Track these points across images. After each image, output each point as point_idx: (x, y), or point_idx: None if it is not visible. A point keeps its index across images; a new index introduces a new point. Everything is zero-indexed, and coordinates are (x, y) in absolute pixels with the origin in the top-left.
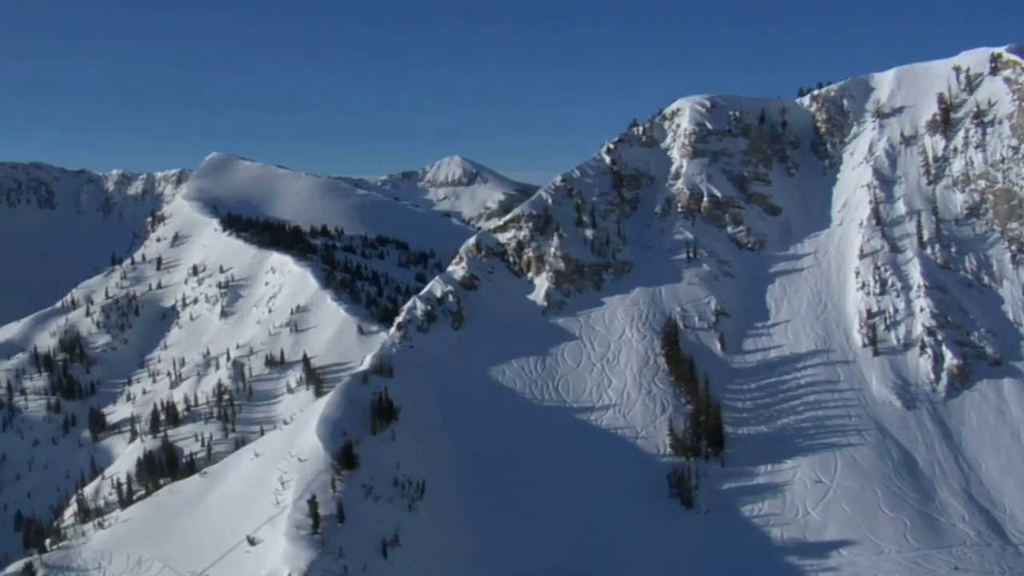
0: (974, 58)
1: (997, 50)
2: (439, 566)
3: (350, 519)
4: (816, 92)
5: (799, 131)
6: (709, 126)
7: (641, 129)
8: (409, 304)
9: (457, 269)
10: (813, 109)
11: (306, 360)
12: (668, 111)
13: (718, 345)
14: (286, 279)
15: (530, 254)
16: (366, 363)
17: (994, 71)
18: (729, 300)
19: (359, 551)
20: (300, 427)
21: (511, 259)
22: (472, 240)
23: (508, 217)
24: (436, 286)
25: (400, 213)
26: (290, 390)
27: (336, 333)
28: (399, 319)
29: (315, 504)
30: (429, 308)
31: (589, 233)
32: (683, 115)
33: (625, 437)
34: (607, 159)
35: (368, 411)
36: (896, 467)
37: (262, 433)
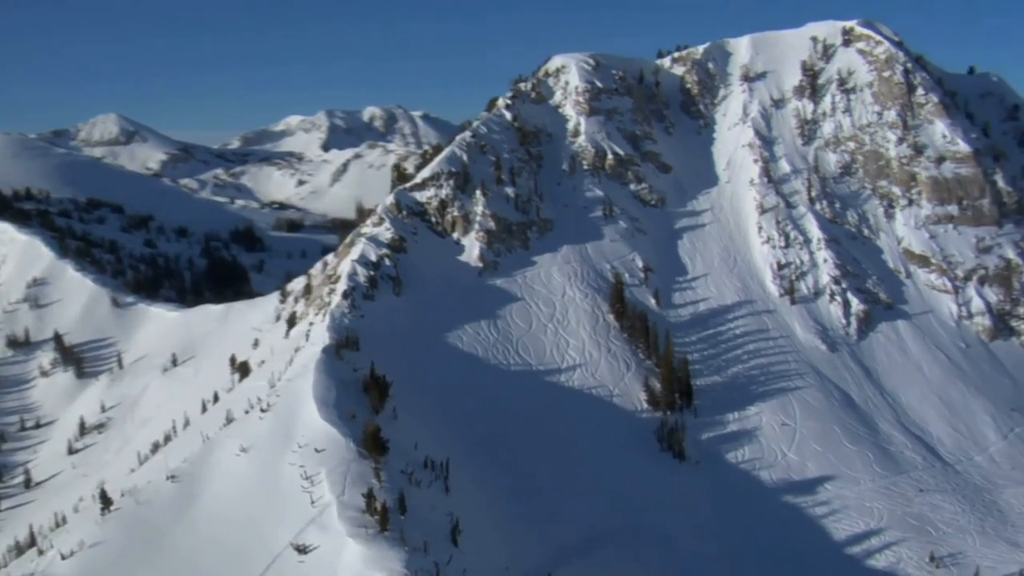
0: (825, 30)
1: (848, 24)
2: (500, 548)
3: (410, 510)
4: (677, 55)
5: (669, 92)
6: (599, 84)
7: (530, 85)
8: (349, 270)
9: (381, 231)
10: (681, 71)
11: (58, 338)
12: (551, 68)
13: (653, 300)
14: (9, 249)
15: (455, 213)
16: (324, 338)
17: (847, 43)
18: (648, 256)
19: (434, 543)
20: (288, 414)
21: (433, 219)
22: (391, 199)
23: (427, 175)
24: (369, 249)
25: (106, 174)
26: (44, 373)
27: (86, 307)
28: (343, 287)
29: (373, 498)
30: (372, 274)
31: (510, 191)
32: (570, 72)
33: (601, 396)
34: (508, 115)
35: (359, 389)
36: (841, 405)
37: (23, 425)
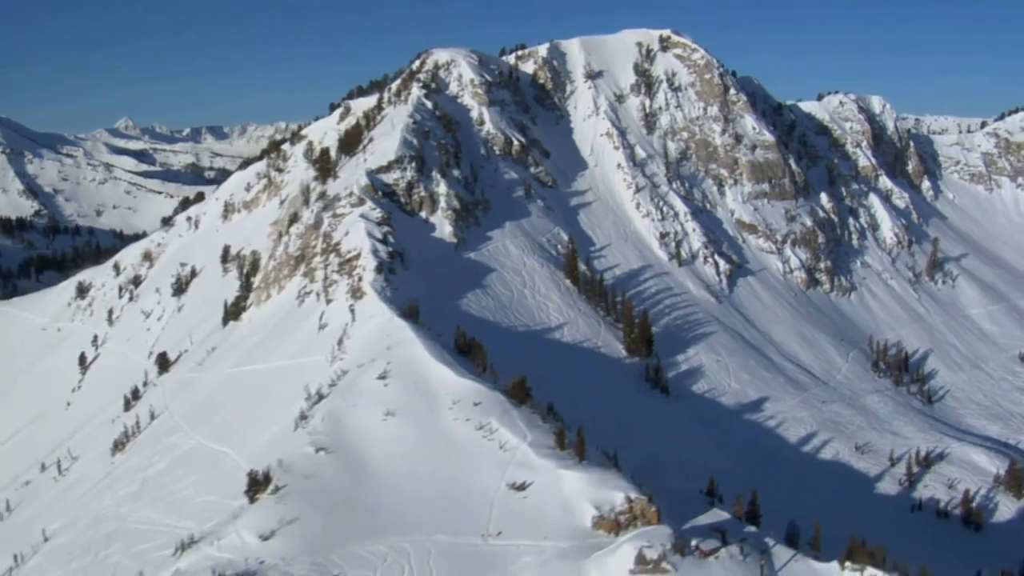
0: (643, 36)
1: (664, 32)
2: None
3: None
4: (520, 53)
5: (523, 87)
6: (488, 78)
7: (431, 75)
8: (370, 247)
9: (367, 210)
10: (532, 69)
11: None
12: (439, 61)
13: (584, 268)
14: None
15: (421, 194)
16: (383, 311)
17: (664, 48)
18: (565, 230)
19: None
20: (413, 378)
21: (402, 199)
22: (366, 180)
23: (392, 158)
24: (372, 227)
25: None
26: None
27: None
28: (373, 263)
29: (562, 435)
30: (390, 249)
31: (457, 173)
32: (461, 66)
33: (591, 349)
34: (428, 104)
35: (452, 351)
36: (744, 344)
37: None
